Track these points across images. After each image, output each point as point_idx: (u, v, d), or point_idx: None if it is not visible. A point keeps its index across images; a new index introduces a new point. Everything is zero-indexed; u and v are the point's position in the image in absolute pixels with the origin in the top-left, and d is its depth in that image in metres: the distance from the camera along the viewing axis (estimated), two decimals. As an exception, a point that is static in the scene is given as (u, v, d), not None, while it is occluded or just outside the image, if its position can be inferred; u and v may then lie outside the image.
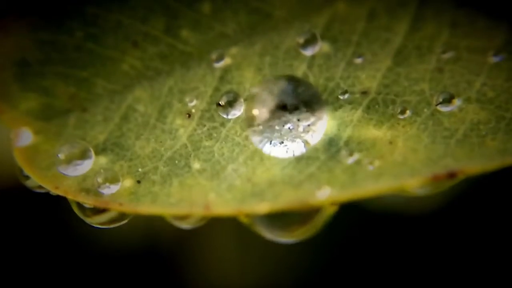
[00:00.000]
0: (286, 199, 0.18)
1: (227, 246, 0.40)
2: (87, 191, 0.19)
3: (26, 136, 0.20)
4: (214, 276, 0.40)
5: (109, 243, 0.40)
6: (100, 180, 0.19)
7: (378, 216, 0.38)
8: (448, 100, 0.20)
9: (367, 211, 0.38)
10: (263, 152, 0.19)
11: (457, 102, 0.20)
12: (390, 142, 0.19)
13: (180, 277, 0.40)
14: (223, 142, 0.20)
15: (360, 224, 0.40)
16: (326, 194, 0.18)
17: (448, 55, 0.21)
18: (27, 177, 0.20)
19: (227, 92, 0.21)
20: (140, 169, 0.20)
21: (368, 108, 0.20)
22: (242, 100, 0.20)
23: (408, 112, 0.20)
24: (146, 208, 0.19)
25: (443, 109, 0.20)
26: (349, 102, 0.20)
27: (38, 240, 0.40)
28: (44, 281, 0.40)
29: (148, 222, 0.39)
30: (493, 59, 0.20)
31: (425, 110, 0.20)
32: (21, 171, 0.20)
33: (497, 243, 0.38)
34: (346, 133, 0.19)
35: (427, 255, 0.39)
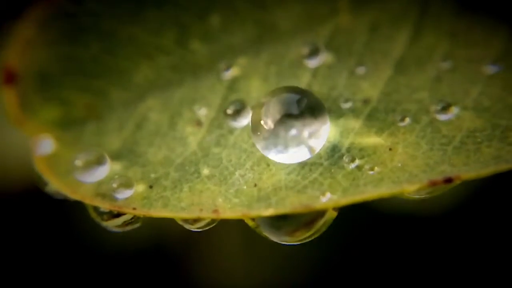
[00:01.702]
0: (290, 204, 0.19)
1: (234, 246, 0.40)
2: (103, 196, 0.20)
3: (45, 144, 0.22)
4: (221, 275, 0.40)
5: (116, 243, 0.40)
6: (115, 185, 0.20)
7: (388, 217, 0.38)
8: (446, 108, 0.20)
9: (377, 212, 0.38)
10: (269, 158, 0.20)
11: (454, 110, 0.20)
12: (390, 149, 0.20)
13: (186, 277, 0.41)
14: (231, 149, 0.21)
15: (369, 225, 0.40)
16: (328, 199, 0.19)
17: (447, 65, 0.21)
18: (46, 184, 0.21)
19: (235, 101, 0.21)
20: (152, 175, 0.21)
21: (369, 116, 0.21)
22: (249, 108, 0.21)
23: (407, 120, 0.20)
24: (158, 212, 0.20)
25: (441, 117, 0.20)
26: (351, 110, 0.21)
27: (44, 241, 0.40)
28: (51, 281, 0.40)
29: (155, 222, 0.40)
30: (490, 69, 0.21)
31: (424, 118, 0.20)
32: (40, 177, 0.21)
33: (509, 245, 0.38)
34: (348, 140, 0.20)
35: (437, 257, 0.39)
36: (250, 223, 0.19)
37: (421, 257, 0.39)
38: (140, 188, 0.20)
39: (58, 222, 0.40)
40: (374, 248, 0.40)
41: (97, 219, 0.20)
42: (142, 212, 0.20)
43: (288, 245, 0.19)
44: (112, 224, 0.20)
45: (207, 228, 0.20)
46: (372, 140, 0.20)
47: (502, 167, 0.18)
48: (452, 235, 0.39)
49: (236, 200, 0.19)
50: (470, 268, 0.38)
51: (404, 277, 0.39)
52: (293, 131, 0.19)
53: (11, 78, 0.22)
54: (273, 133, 0.19)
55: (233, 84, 0.22)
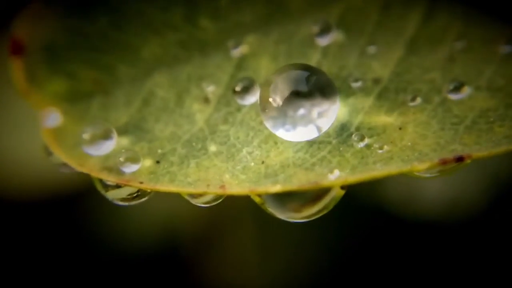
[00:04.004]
0: (298, 181, 0.19)
1: (247, 246, 0.40)
2: (110, 169, 0.20)
3: (53, 117, 0.21)
4: (234, 275, 0.40)
5: (128, 246, 0.40)
6: (122, 159, 0.20)
7: (407, 223, 0.38)
8: (458, 88, 0.20)
9: (395, 217, 0.37)
10: (276, 136, 0.20)
11: (467, 90, 0.20)
12: (400, 128, 0.19)
13: (198, 278, 0.40)
14: (239, 126, 0.21)
15: (385, 229, 0.39)
16: (336, 176, 0.18)
17: (460, 45, 0.21)
18: (50, 154, 0.21)
19: (243, 79, 0.21)
20: (159, 150, 0.20)
21: (379, 95, 0.20)
22: (257, 86, 0.21)
23: (419, 100, 0.20)
24: (165, 186, 0.19)
25: (453, 97, 0.20)
26: (361, 89, 0.21)
27: (57, 246, 0.40)
28: (66, 285, 0.40)
29: (166, 224, 0.40)
30: (504, 49, 0.21)
31: (436, 97, 0.20)
32: (46, 149, 0.21)
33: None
34: (358, 119, 0.20)
35: (455, 265, 0.38)
36: (257, 200, 0.19)
37: (440, 265, 0.38)
38: (147, 163, 0.20)
39: (70, 226, 0.40)
40: (392, 255, 0.39)
41: (102, 191, 0.20)
42: (149, 186, 0.19)
43: (295, 222, 0.19)
44: (117, 196, 0.19)
45: (213, 203, 0.20)
46: (382, 119, 0.20)
47: (515, 146, 0.18)
48: (473, 243, 0.38)
49: (243, 177, 0.19)
50: (488, 276, 0.38)
51: (419, 283, 0.39)
52: (302, 111, 0.19)
53: (18, 49, 0.22)
54: (282, 111, 0.19)
55: (241, 62, 0.22)
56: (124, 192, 0.19)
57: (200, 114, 0.21)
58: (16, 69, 0.22)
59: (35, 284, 0.40)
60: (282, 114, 0.19)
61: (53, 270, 0.40)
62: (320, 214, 0.19)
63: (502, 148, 0.18)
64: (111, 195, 0.19)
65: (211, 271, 0.40)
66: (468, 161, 0.18)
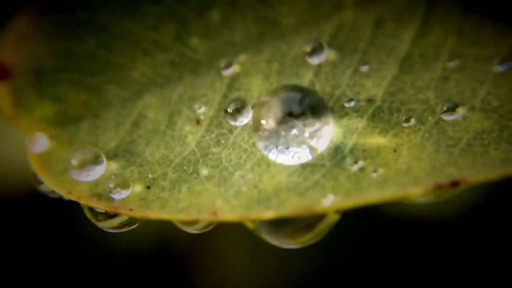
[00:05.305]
0: (291, 206, 0.18)
1: (239, 249, 0.40)
2: (99, 196, 0.19)
3: (40, 142, 0.21)
4: (225, 278, 0.40)
5: (120, 247, 0.40)
6: (111, 185, 0.19)
7: (395, 222, 0.38)
8: (452, 109, 0.20)
9: (384, 217, 0.37)
10: (269, 159, 0.20)
11: (461, 111, 0.20)
12: (395, 150, 0.19)
13: (190, 280, 0.41)
14: (231, 149, 0.20)
15: (377, 231, 0.39)
16: (330, 202, 0.18)
17: (453, 64, 0.21)
18: (41, 182, 0.20)
19: (235, 99, 0.21)
20: (150, 175, 0.20)
21: (373, 116, 0.20)
22: (249, 107, 0.21)
23: (413, 121, 0.20)
24: (156, 213, 0.19)
25: (448, 117, 0.20)
26: (355, 109, 0.20)
27: (48, 245, 0.40)
28: (56, 284, 0.40)
29: (159, 226, 0.40)
30: (498, 68, 0.21)
31: (430, 118, 0.20)
32: (35, 176, 0.20)
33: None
34: (351, 140, 0.20)
35: (444, 263, 0.38)
36: (250, 226, 0.19)
37: (428, 263, 0.38)
38: (137, 188, 0.20)
39: (62, 225, 0.40)
40: (381, 254, 0.39)
41: (92, 219, 0.19)
42: (139, 213, 0.19)
43: (290, 248, 0.19)
44: (107, 225, 0.19)
45: (205, 230, 0.19)
46: (376, 141, 0.20)
47: (511, 170, 0.18)
48: (461, 241, 0.38)
49: (235, 202, 0.19)
50: (478, 274, 0.38)
51: (409, 282, 0.39)
52: (295, 131, 0.19)
53: (4, 74, 0.21)
54: (274, 132, 0.19)
55: (233, 82, 0.22)
56: (115, 221, 0.19)
57: (191, 136, 0.21)
58: (3, 94, 0.21)
59: (28, 283, 0.40)
60: (275, 136, 0.19)
61: (45, 268, 0.40)
62: (316, 240, 0.18)
63: (497, 173, 0.18)
64: (102, 224, 0.19)
65: (203, 271, 0.40)
66: (464, 186, 0.18)
